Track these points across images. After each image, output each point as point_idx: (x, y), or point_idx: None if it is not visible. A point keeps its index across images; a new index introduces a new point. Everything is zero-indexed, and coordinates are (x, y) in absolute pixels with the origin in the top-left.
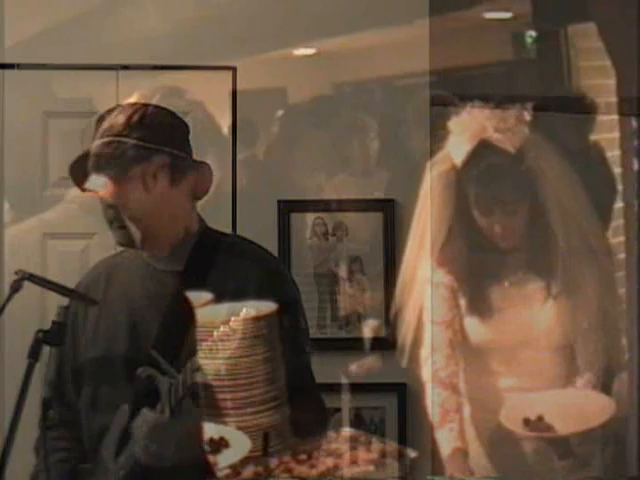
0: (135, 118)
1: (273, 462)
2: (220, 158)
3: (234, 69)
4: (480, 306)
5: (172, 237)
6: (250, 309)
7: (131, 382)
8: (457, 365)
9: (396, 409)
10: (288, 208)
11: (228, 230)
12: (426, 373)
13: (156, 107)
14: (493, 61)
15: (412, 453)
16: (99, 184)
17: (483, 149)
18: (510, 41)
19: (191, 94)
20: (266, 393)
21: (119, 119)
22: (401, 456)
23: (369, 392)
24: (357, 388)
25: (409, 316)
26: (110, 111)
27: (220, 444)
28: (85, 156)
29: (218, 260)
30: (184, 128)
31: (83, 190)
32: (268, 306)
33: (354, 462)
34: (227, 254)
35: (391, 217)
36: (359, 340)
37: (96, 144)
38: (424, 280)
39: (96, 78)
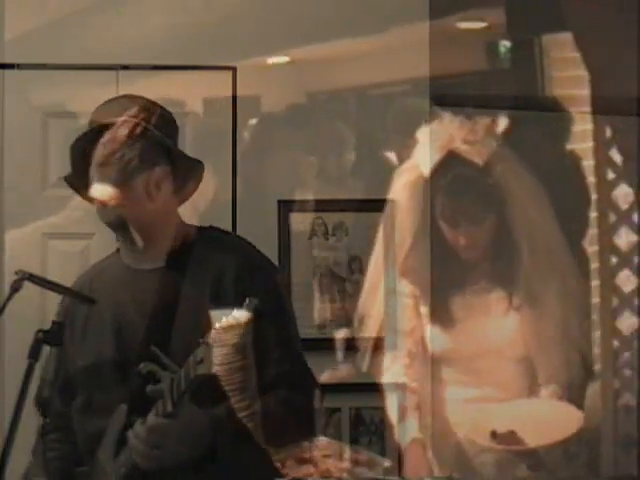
0: (137, 131)
1: None
2: (220, 158)
3: (234, 69)
4: (441, 316)
5: (162, 237)
6: (229, 318)
7: (123, 383)
8: (416, 374)
9: (396, 409)
10: (288, 208)
11: (228, 230)
12: (386, 381)
13: (161, 107)
14: (467, 70)
15: (386, 462)
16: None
17: (451, 160)
18: (484, 50)
19: (191, 94)
20: (241, 401)
21: (121, 132)
22: (375, 465)
23: (369, 392)
24: (357, 388)
25: (372, 324)
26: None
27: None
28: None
29: (196, 254)
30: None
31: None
32: (245, 315)
33: (327, 471)
34: (205, 247)
35: (391, 217)
36: (359, 340)
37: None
38: (387, 288)
39: (96, 78)
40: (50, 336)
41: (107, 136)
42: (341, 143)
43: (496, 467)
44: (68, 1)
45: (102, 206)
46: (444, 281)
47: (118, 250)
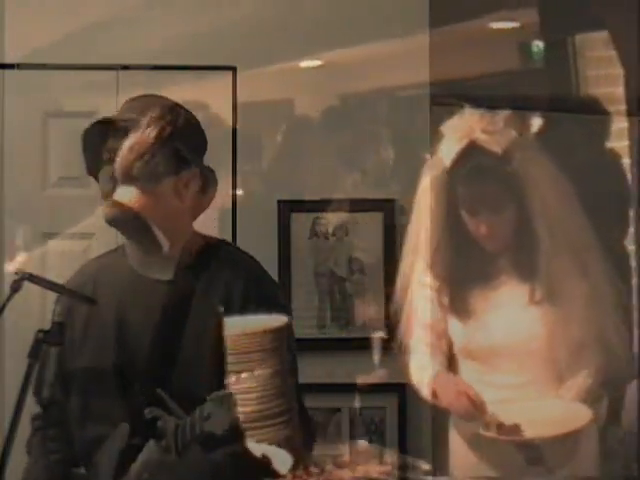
0: (165, 133)
1: (288, 477)
2: (220, 158)
3: (234, 69)
4: (463, 309)
5: (174, 245)
6: (259, 323)
7: (125, 394)
8: (437, 367)
9: (396, 409)
10: (288, 208)
11: (228, 230)
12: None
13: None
14: (499, 71)
15: (425, 465)
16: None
17: (471, 150)
18: (517, 51)
19: (191, 94)
20: (277, 407)
21: (150, 132)
22: (414, 468)
23: (369, 392)
24: (357, 388)
25: (405, 319)
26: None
27: (264, 462)
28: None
29: (207, 268)
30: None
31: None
32: (278, 319)
33: (366, 475)
34: (215, 262)
35: (391, 217)
36: (359, 340)
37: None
38: (417, 283)
39: (96, 78)
40: (50, 336)
41: (133, 139)
42: (375, 144)
43: (497, 458)
44: (68, 1)
45: (120, 209)
46: (466, 273)
47: (117, 249)
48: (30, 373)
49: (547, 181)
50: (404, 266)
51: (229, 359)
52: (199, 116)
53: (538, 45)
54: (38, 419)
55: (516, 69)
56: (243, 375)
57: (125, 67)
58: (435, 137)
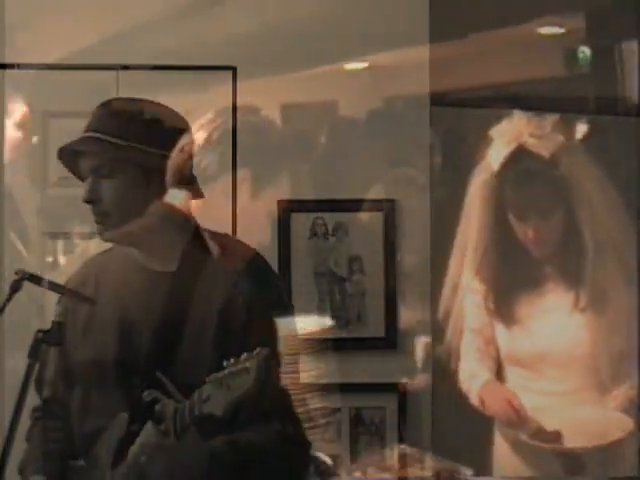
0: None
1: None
2: (221, 158)
3: (234, 69)
4: (509, 315)
5: (179, 239)
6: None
7: (125, 384)
8: (486, 376)
9: (396, 409)
10: (288, 208)
11: (229, 230)
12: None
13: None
14: (545, 76)
15: (467, 470)
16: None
17: (519, 154)
18: (562, 56)
19: (192, 94)
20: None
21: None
22: (456, 473)
23: (369, 392)
24: (357, 388)
25: (453, 323)
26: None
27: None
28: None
29: (209, 262)
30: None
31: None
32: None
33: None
34: (219, 258)
35: (391, 217)
36: (359, 340)
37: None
38: (465, 289)
39: (96, 78)
40: (50, 336)
41: (184, 140)
42: (419, 150)
43: (539, 465)
44: (68, 1)
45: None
46: (512, 279)
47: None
48: (30, 373)
49: (594, 187)
50: (452, 269)
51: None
52: (199, 116)
53: (584, 51)
54: (39, 410)
55: (562, 74)
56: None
57: (125, 67)
58: (484, 141)
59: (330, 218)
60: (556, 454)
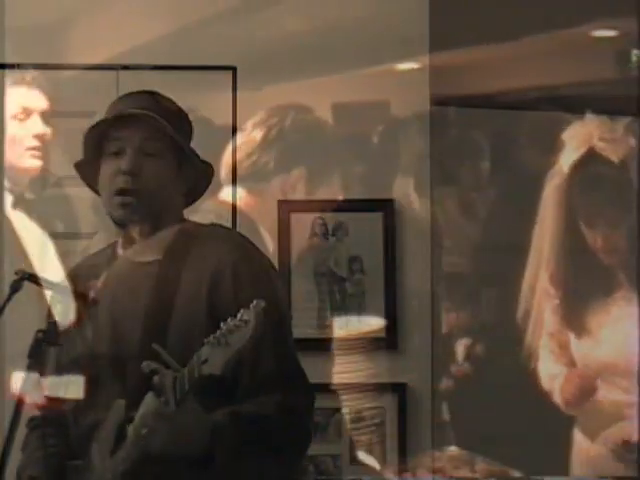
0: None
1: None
2: (221, 158)
3: (234, 69)
4: (581, 322)
5: (166, 231)
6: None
7: (120, 377)
8: (561, 370)
9: (396, 409)
10: (288, 208)
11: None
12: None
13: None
14: (599, 79)
15: (516, 474)
16: None
17: (588, 158)
18: (615, 59)
19: (192, 94)
20: None
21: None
22: (505, 476)
23: (369, 392)
24: (357, 388)
25: (532, 324)
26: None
27: None
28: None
29: (194, 248)
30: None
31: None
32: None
33: None
34: (206, 243)
35: (391, 217)
36: (359, 340)
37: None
38: (541, 292)
39: (96, 78)
40: (50, 336)
41: (243, 137)
42: (475, 152)
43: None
44: (68, 1)
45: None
46: (584, 286)
47: (108, 247)
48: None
49: None
50: (529, 271)
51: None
52: (199, 115)
53: (637, 54)
54: (35, 419)
55: (614, 77)
56: None
57: (125, 67)
58: (556, 146)
59: (330, 218)
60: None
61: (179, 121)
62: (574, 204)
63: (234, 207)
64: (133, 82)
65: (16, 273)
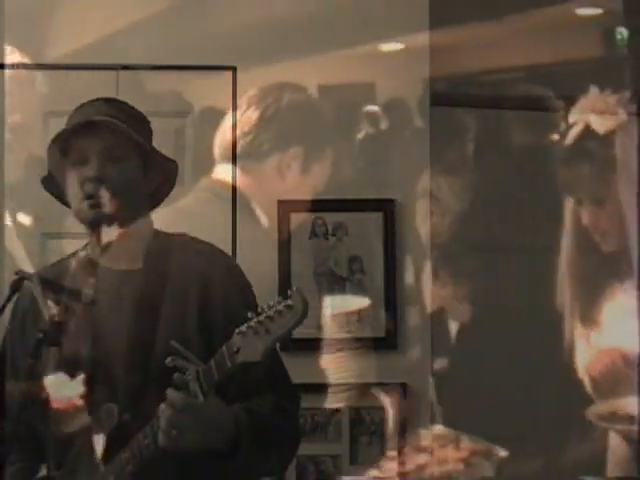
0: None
1: None
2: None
3: (234, 69)
4: (588, 314)
5: (140, 237)
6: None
7: (107, 383)
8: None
9: (396, 409)
10: (288, 208)
11: (228, 229)
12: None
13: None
14: (583, 58)
15: (502, 452)
16: None
17: (580, 134)
18: (600, 38)
19: (192, 94)
20: None
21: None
22: (491, 455)
23: (369, 392)
24: (357, 388)
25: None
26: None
27: None
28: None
29: (176, 258)
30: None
31: None
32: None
33: (444, 460)
34: (183, 252)
35: (391, 217)
36: (359, 340)
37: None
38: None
39: (96, 78)
40: (50, 336)
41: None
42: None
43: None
44: (68, 1)
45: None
46: (588, 275)
47: (76, 252)
48: (30, 373)
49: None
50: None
51: None
52: (200, 115)
53: (622, 32)
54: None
55: (599, 56)
56: None
57: (125, 67)
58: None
59: (330, 218)
60: (626, 439)
61: (139, 123)
62: (563, 182)
63: (234, 207)
64: (133, 82)
65: (16, 273)
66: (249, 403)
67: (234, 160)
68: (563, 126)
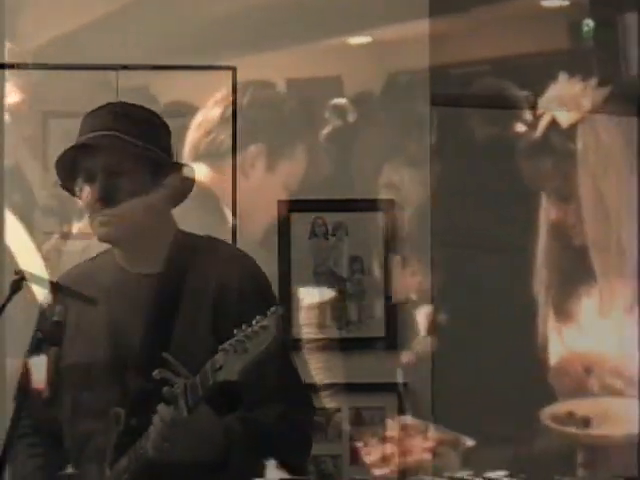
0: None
1: None
2: (221, 158)
3: (234, 69)
4: (563, 311)
5: (160, 239)
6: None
7: (117, 386)
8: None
9: (396, 409)
10: (288, 208)
11: (228, 231)
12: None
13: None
14: (550, 50)
15: (469, 441)
16: None
17: (546, 127)
18: (567, 29)
19: (192, 94)
20: None
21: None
22: (458, 444)
23: (369, 392)
24: (357, 388)
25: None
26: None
27: None
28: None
29: (195, 261)
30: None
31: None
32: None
33: (410, 450)
34: (204, 255)
35: (391, 217)
36: (359, 340)
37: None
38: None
39: (96, 78)
40: (50, 336)
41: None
42: (422, 125)
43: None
44: (68, 1)
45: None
46: (563, 271)
47: (107, 251)
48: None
49: (604, 163)
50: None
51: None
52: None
53: (588, 24)
54: (24, 426)
55: (566, 48)
56: None
57: (125, 67)
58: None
59: (330, 218)
60: (578, 443)
61: (149, 128)
62: (528, 177)
63: (234, 207)
64: (133, 82)
65: (16, 273)
66: (255, 412)
67: (234, 160)
68: (530, 119)
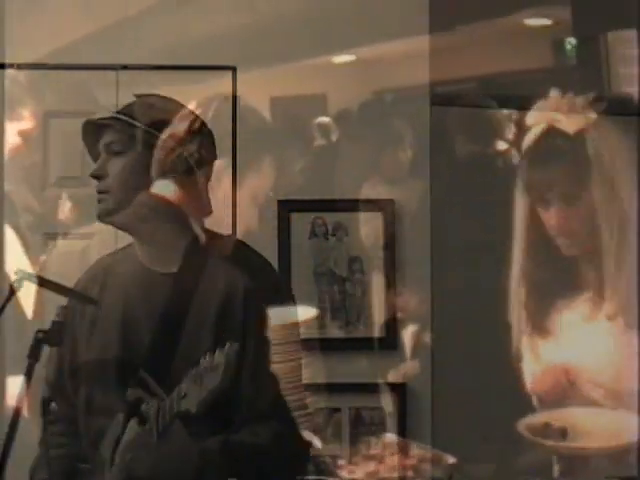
0: (195, 126)
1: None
2: (221, 158)
3: (234, 69)
4: (543, 323)
5: (180, 238)
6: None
7: (124, 387)
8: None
9: (396, 409)
10: (288, 208)
11: (229, 230)
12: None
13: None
14: (533, 67)
15: (450, 459)
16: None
17: (547, 134)
18: (550, 47)
19: (191, 94)
20: (301, 399)
21: (180, 127)
22: (439, 461)
23: (369, 392)
24: (357, 388)
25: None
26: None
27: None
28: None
29: (210, 264)
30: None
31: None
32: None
33: (393, 467)
34: (220, 259)
35: (391, 217)
36: (359, 340)
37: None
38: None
39: (96, 78)
40: (50, 336)
41: (167, 132)
42: (402, 142)
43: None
44: (68, 1)
45: (159, 202)
46: (546, 281)
47: (132, 244)
48: (30, 373)
49: (618, 171)
50: (513, 264)
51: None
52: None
53: (571, 42)
54: (54, 413)
55: (549, 66)
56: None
57: (125, 67)
58: (523, 132)
59: (330, 218)
60: (556, 454)
61: (159, 113)
62: (527, 184)
63: (234, 207)
64: (133, 82)
65: (16, 273)
66: (243, 433)
67: (234, 161)
68: (515, 129)
